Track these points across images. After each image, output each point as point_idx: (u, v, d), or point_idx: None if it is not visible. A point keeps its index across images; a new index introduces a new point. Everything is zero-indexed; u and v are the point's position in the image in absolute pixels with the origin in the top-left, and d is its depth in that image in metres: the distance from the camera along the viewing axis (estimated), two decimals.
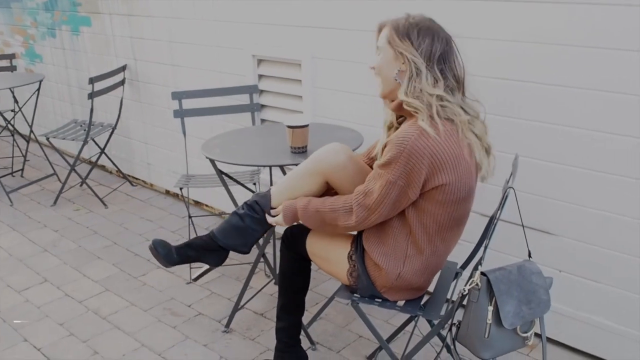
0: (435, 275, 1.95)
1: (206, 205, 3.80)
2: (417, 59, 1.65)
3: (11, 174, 4.55)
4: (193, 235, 3.29)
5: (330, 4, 2.70)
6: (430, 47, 1.66)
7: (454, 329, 1.68)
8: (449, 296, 1.99)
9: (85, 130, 3.95)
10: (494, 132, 1.86)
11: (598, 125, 2.04)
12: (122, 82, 3.95)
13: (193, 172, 3.39)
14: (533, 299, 1.63)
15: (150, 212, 3.83)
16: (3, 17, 5.05)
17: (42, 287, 2.99)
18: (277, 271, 2.15)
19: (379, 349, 2.33)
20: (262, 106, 3.19)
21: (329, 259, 1.94)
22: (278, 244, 2.16)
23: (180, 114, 3.07)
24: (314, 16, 2.79)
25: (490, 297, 1.59)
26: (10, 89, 4.27)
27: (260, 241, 2.65)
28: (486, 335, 1.59)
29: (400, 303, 1.91)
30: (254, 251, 3.15)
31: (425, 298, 1.96)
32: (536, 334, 1.68)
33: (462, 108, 1.68)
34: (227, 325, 2.58)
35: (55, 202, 3.99)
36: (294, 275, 2.10)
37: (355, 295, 1.91)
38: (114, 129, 4.07)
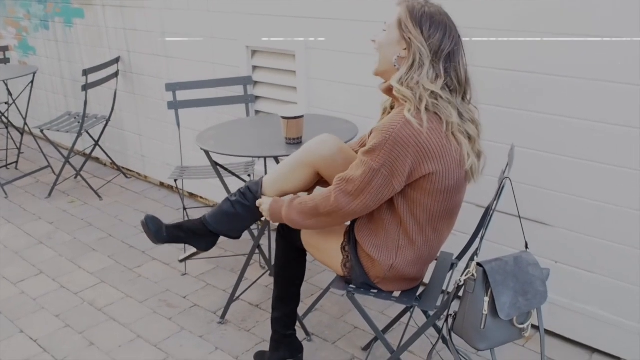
0: (431, 266, 1.95)
1: (201, 197, 3.79)
2: (423, 50, 1.62)
3: (5, 166, 4.53)
4: None
5: None
6: (440, 42, 1.63)
7: (450, 320, 1.68)
8: (444, 287, 1.98)
9: (79, 122, 3.93)
10: (491, 122, 1.86)
11: (596, 116, 2.03)
12: (116, 74, 3.93)
13: (187, 164, 3.37)
14: (529, 290, 1.62)
15: (144, 204, 3.82)
16: None
17: (37, 279, 2.98)
18: (273, 262, 2.14)
19: (375, 339, 2.33)
20: (257, 97, 3.17)
21: (324, 249, 1.94)
22: (273, 235, 2.15)
23: (175, 105, 3.05)
24: (307, 7, 2.77)
25: (486, 288, 1.59)
26: (3, 81, 4.23)
27: (255, 232, 2.64)
28: (482, 327, 1.58)
29: (396, 294, 1.90)
30: (249, 242, 3.16)
31: (421, 289, 1.96)
32: (533, 326, 1.68)
33: (457, 110, 1.65)
34: (223, 316, 2.58)
35: (50, 195, 3.98)
36: (290, 265, 2.10)
37: (350, 286, 1.90)
38: (107, 121, 4.05)
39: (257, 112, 3.21)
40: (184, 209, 3.02)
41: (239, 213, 1.98)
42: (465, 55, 1.69)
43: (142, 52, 3.76)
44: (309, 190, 2.03)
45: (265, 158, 2.85)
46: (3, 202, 3.93)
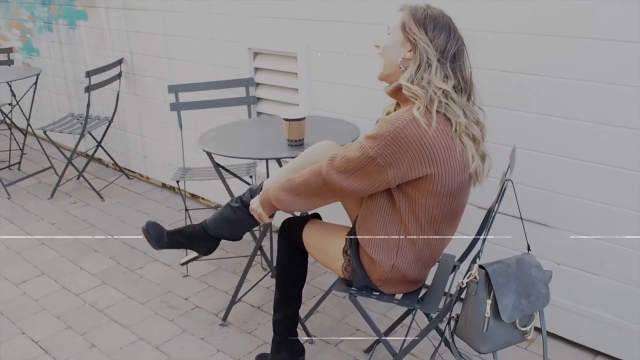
0: (433, 269, 1.95)
1: (202, 198, 3.79)
2: (429, 49, 1.63)
3: (8, 167, 4.54)
4: None
5: None
6: (445, 42, 1.64)
7: (452, 323, 1.67)
8: (447, 289, 1.98)
9: (82, 123, 3.94)
10: (494, 124, 1.85)
11: (600, 118, 2.02)
12: (119, 76, 3.93)
13: (189, 165, 3.37)
14: (532, 292, 1.61)
15: (146, 205, 3.82)
16: (0, 11, 5.02)
17: (39, 280, 2.98)
18: (274, 264, 2.14)
19: (377, 342, 2.32)
20: (258, 99, 3.17)
21: (325, 251, 1.94)
22: (275, 237, 2.15)
23: (177, 107, 3.05)
24: (309, 9, 2.77)
25: (488, 291, 1.58)
26: (7, 82, 4.24)
27: (257, 234, 2.64)
28: (484, 329, 1.57)
29: (398, 296, 1.90)
30: (251, 244, 3.15)
31: (423, 291, 1.95)
32: (536, 328, 1.67)
33: (463, 110, 1.65)
34: (224, 318, 2.57)
35: (52, 195, 3.98)
36: (291, 266, 2.09)
37: (352, 288, 1.90)
38: (110, 122, 4.06)
39: (259, 113, 3.21)
40: (186, 210, 3.02)
41: (239, 219, 1.99)
42: (469, 57, 1.69)
43: (145, 54, 3.77)
44: None
45: (267, 160, 2.85)
46: (5, 202, 3.94)
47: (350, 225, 1.97)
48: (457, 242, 1.96)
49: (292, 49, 2.90)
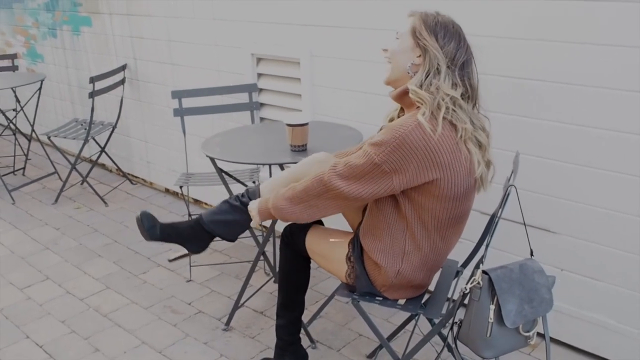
0: (436, 274, 1.95)
1: (205, 204, 3.80)
2: (439, 56, 1.63)
3: (13, 172, 4.56)
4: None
5: (329, 2, 2.69)
6: (455, 50, 1.64)
7: (455, 328, 1.67)
8: (450, 295, 1.98)
9: (85, 129, 3.96)
10: (497, 129, 1.85)
11: (603, 123, 2.03)
12: (122, 82, 3.95)
13: (193, 170, 3.38)
14: (535, 297, 1.62)
15: (150, 210, 3.81)
16: (5, 18, 5.06)
17: (43, 284, 2.99)
18: (277, 269, 2.14)
19: (379, 347, 2.32)
20: (262, 105, 3.18)
21: (328, 257, 1.94)
22: (278, 242, 2.15)
23: (180, 112, 3.07)
24: (312, 14, 2.78)
25: (492, 296, 1.58)
26: (12, 88, 4.27)
27: (260, 239, 2.65)
28: (488, 334, 1.58)
29: (401, 301, 1.90)
30: (254, 249, 3.16)
31: (426, 297, 1.95)
32: (539, 334, 1.67)
33: (470, 118, 1.66)
34: (227, 323, 2.58)
35: (56, 201, 4.00)
36: (294, 272, 2.09)
37: (355, 293, 1.90)
38: (114, 127, 4.07)
39: (262, 119, 3.22)
40: (189, 215, 3.02)
41: (236, 218, 1.98)
42: (476, 65, 1.70)
43: (149, 60, 3.78)
44: None
45: (270, 165, 2.86)
46: (10, 208, 3.95)
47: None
48: (460, 248, 1.96)
49: (295, 55, 2.91)
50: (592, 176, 2.10)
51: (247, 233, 3.28)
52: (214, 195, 3.63)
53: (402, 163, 1.60)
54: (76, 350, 2.46)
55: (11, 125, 4.46)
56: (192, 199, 3.83)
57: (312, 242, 1.97)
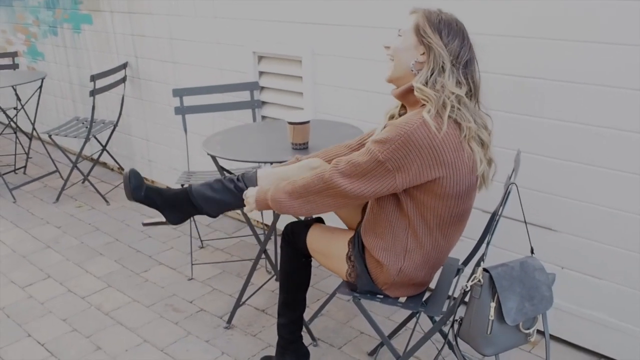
0: (437, 272, 1.95)
1: None
2: (444, 54, 1.62)
3: (14, 171, 4.56)
4: (195, 231, 3.33)
5: (331, 1, 2.69)
6: (459, 48, 1.63)
7: (455, 326, 1.67)
8: (450, 292, 1.98)
9: (87, 127, 3.96)
10: (498, 127, 1.85)
11: (604, 122, 2.03)
12: (124, 80, 3.95)
13: (194, 168, 3.39)
14: (535, 295, 1.62)
15: (151, 209, 3.81)
16: (5, 16, 5.06)
17: (45, 283, 2.99)
18: (278, 267, 2.15)
19: (381, 345, 2.33)
20: (263, 103, 3.18)
21: (329, 255, 1.94)
22: (279, 240, 2.16)
23: (182, 110, 3.07)
24: (314, 12, 2.78)
25: (492, 294, 1.58)
26: (12, 86, 4.27)
27: (262, 237, 2.65)
28: (488, 332, 1.58)
29: (402, 299, 1.90)
30: (255, 247, 3.16)
31: (427, 294, 1.96)
32: (538, 331, 1.67)
33: (472, 116, 1.65)
34: (229, 321, 2.58)
35: (57, 199, 4.00)
36: (295, 271, 2.10)
37: (356, 291, 1.90)
38: (115, 126, 4.08)
39: (263, 117, 3.22)
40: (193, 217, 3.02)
41: (225, 199, 1.96)
42: (478, 63, 1.70)
43: (150, 58, 3.79)
44: None
45: (271, 163, 2.86)
46: (11, 206, 3.96)
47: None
48: (461, 246, 1.97)
49: (296, 53, 2.91)
50: (593, 174, 2.10)
51: (248, 231, 3.31)
52: None
53: (405, 161, 1.59)
54: (77, 349, 2.47)
55: (12, 123, 4.46)
56: None
57: (313, 241, 1.98)
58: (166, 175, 4.04)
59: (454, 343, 1.71)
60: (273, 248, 2.99)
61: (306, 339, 2.30)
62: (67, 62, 4.57)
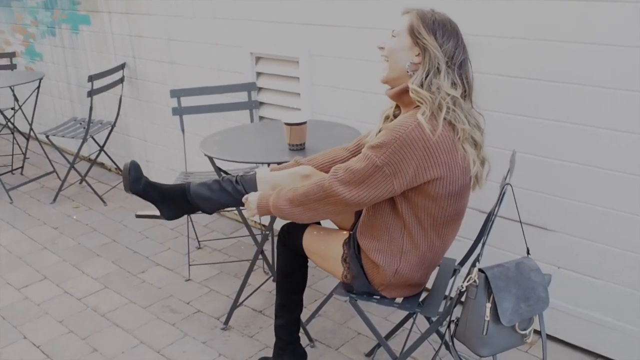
0: (433, 272, 1.95)
1: None
2: (439, 55, 1.61)
3: (11, 171, 4.56)
4: (192, 232, 3.33)
5: (328, 2, 2.69)
6: (454, 49, 1.63)
7: (452, 326, 1.67)
8: (447, 293, 1.98)
9: (84, 128, 3.96)
10: (493, 128, 1.86)
11: (599, 122, 2.03)
12: (121, 80, 3.95)
13: (192, 169, 3.38)
14: (531, 295, 1.62)
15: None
16: (4, 16, 5.05)
17: (41, 284, 2.99)
18: (276, 268, 2.14)
19: (378, 346, 2.33)
20: (261, 103, 3.18)
21: (326, 257, 1.94)
22: (276, 241, 2.15)
23: (179, 111, 3.07)
24: (311, 13, 2.78)
25: (488, 294, 1.58)
26: (10, 87, 4.27)
27: (259, 238, 2.65)
28: (484, 333, 1.58)
29: (399, 300, 1.90)
30: (253, 248, 3.16)
31: (424, 295, 1.96)
32: (535, 331, 1.67)
33: (467, 117, 1.65)
34: (226, 322, 2.58)
35: (54, 200, 4.00)
36: (292, 272, 2.09)
37: (353, 292, 1.90)
38: (113, 126, 4.07)
39: (261, 118, 3.22)
40: (188, 214, 3.02)
41: (222, 200, 1.97)
42: (471, 63, 1.69)
43: (148, 59, 3.79)
44: None
45: (268, 164, 2.86)
46: (8, 207, 3.95)
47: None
48: (457, 246, 1.97)
49: (294, 54, 2.91)
50: (588, 174, 2.10)
51: (245, 232, 3.31)
52: None
53: (403, 164, 1.59)
54: (74, 350, 2.47)
55: (9, 124, 4.46)
56: None
57: (309, 242, 1.97)
58: (164, 176, 4.03)
59: (450, 344, 1.71)
60: (270, 249, 2.98)
61: (303, 340, 2.30)
62: (65, 63, 4.56)
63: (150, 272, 3.07)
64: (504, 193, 1.66)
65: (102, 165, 4.59)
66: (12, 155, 4.65)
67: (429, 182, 1.64)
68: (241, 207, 2.01)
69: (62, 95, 4.77)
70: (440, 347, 1.95)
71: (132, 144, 4.22)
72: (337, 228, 2.06)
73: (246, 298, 2.72)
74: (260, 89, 3.17)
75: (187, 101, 3.10)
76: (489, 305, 1.58)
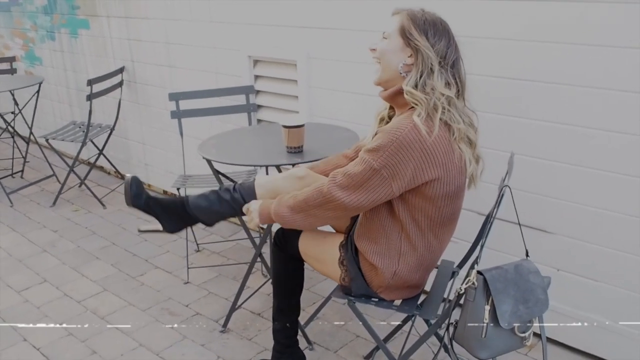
0: (432, 275, 1.95)
1: None
2: (432, 55, 1.61)
3: (11, 175, 4.56)
4: (191, 235, 3.33)
5: (325, 5, 2.70)
6: (445, 48, 1.63)
7: (451, 329, 1.67)
8: (445, 295, 1.98)
9: (83, 131, 3.96)
10: (491, 130, 1.86)
11: (596, 123, 2.03)
12: (120, 84, 3.96)
13: (190, 172, 3.38)
14: (530, 298, 1.62)
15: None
16: (3, 21, 5.06)
17: (41, 287, 2.99)
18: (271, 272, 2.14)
19: (376, 348, 2.32)
20: (259, 106, 3.19)
21: (322, 260, 1.94)
22: (272, 245, 2.16)
23: (178, 114, 3.07)
24: (309, 16, 2.79)
25: (487, 297, 1.58)
26: (10, 91, 4.28)
27: (257, 241, 2.65)
28: (483, 335, 1.58)
29: (397, 302, 1.90)
30: (251, 251, 3.16)
31: (422, 297, 1.95)
32: (535, 334, 1.67)
33: (460, 116, 1.65)
34: (225, 325, 2.58)
35: (54, 203, 4.00)
36: (288, 276, 2.09)
37: (351, 295, 1.90)
38: (112, 130, 4.08)
39: (259, 120, 3.22)
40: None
41: (221, 210, 1.97)
42: (463, 62, 1.69)
43: (146, 62, 3.79)
44: None
45: (267, 167, 2.86)
46: (8, 210, 3.95)
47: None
48: (455, 248, 1.97)
49: (292, 57, 2.91)
50: (586, 176, 2.10)
51: (244, 235, 3.31)
52: None
53: (400, 167, 1.59)
54: (73, 353, 2.46)
55: (9, 127, 4.46)
56: None
57: (305, 245, 1.97)
58: (162, 179, 4.04)
59: (449, 346, 1.70)
60: (269, 251, 2.98)
61: (302, 343, 2.29)
62: (64, 67, 4.57)
63: (149, 274, 3.07)
64: (503, 195, 1.66)
65: (101, 168, 4.59)
66: (13, 158, 4.66)
67: (426, 184, 1.64)
68: (242, 216, 2.01)
69: (61, 99, 4.77)
70: (439, 349, 1.94)
71: (131, 148, 4.22)
72: (333, 231, 2.06)
73: (245, 301, 2.72)
74: (258, 92, 3.17)
75: (185, 104, 3.10)
76: (487, 307, 1.57)
